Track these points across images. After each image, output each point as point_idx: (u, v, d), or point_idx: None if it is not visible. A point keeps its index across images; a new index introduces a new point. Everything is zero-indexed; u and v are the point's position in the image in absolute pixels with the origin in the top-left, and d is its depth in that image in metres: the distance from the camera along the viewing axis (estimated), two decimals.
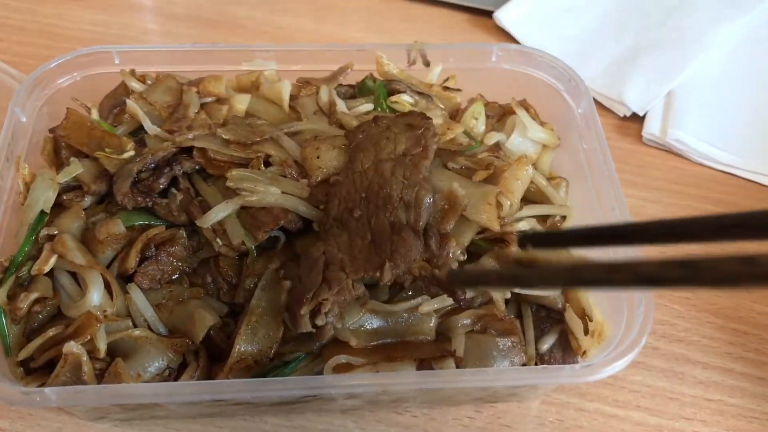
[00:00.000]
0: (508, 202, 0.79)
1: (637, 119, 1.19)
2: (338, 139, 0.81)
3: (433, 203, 0.74)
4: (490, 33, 1.33)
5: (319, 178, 0.78)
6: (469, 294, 0.76)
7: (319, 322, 0.70)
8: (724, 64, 1.26)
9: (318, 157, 0.78)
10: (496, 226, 0.77)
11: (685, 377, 0.91)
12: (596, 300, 0.81)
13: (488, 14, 1.33)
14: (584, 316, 0.81)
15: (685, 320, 0.96)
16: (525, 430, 0.85)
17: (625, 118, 1.20)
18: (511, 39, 1.30)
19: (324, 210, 0.77)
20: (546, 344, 0.80)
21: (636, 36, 1.30)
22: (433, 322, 0.76)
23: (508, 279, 0.68)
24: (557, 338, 0.81)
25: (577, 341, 0.81)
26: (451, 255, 0.73)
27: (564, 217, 0.88)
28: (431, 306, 0.75)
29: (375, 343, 0.74)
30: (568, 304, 0.82)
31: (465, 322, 0.76)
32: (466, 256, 0.77)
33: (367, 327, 0.74)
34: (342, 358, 0.73)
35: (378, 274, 0.70)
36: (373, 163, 0.75)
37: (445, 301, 0.76)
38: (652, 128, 1.17)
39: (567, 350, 0.81)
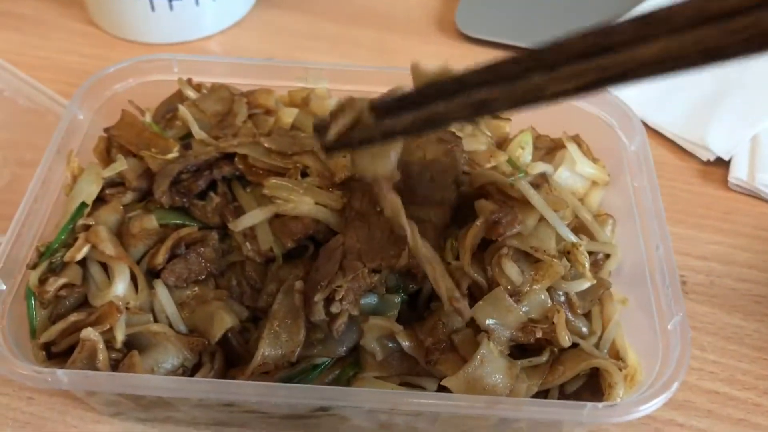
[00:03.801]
0: None
1: (722, 164, 1.13)
2: None
3: None
4: None
5: (344, 175, 0.78)
6: None
7: (334, 309, 0.69)
8: None
9: (344, 156, 0.78)
10: None
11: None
12: (631, 342, 0.77)
13: None
14: (618, 358, 0.77)
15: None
16: None
17: (708, 162, 1.14)
18: None
19: (347, 203, 0.76)
20: (574, 385, 0.76)
21: (717, 78, 1.24)
22: None
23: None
24: (587, 380, 0.77)
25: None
26: None
27: (607, 255, 0.84)
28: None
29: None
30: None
31: None
32: None
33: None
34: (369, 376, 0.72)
35: (393, 261, 0.68)
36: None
37: None
38: (738, 173, 1.10)
39: (596, 394, 0.76)
